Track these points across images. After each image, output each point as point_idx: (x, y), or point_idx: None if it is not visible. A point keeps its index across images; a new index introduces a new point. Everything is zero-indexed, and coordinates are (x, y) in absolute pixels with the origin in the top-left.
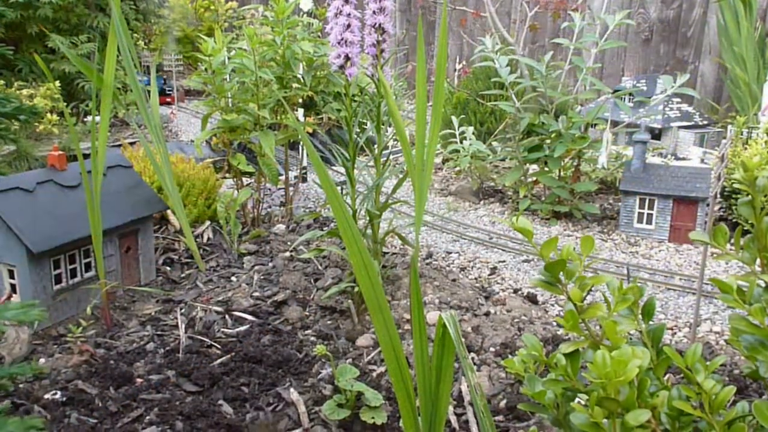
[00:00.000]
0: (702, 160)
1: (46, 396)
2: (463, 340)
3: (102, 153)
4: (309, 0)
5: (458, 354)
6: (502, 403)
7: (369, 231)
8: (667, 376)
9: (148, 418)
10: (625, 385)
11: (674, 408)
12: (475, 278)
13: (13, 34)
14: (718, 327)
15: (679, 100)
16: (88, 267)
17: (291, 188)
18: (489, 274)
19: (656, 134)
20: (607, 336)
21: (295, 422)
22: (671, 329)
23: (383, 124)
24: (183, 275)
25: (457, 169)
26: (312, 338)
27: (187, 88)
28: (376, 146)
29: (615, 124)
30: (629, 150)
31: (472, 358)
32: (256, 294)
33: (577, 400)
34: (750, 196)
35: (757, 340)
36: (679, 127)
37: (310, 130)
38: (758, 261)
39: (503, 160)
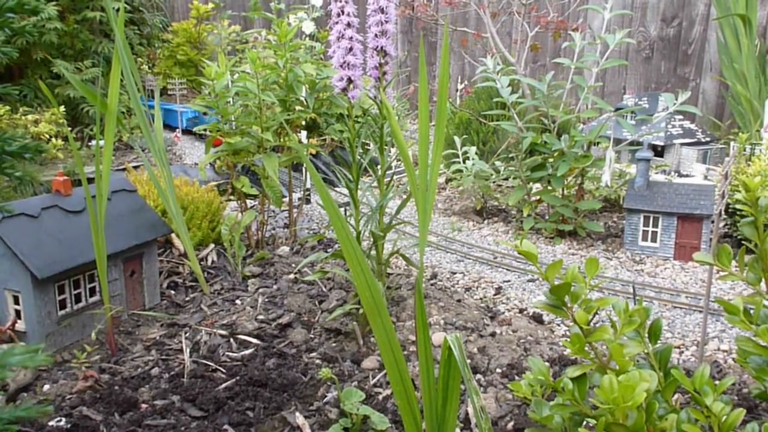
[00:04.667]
0: (705, 177)
1: (51, 423)
2: (468, 361)
3: (106, 177)
4: (311, 23)
5: (463, 377)
6: (510, 425)
7: (373, 252)
8: (676, 395)
9: None
10: (633, 410)
11: (683, 431)
12: (480, 298)
13: (19, 60)
14: (726, 345)
15: (681, 117)
16: (92, 292)
17: (295, 210)
18: (494, 294)
19: (659, 151)
20: (614, 359)
21: None
22: (678, 348)
23: (386, 145)
24: (187, 299)
25: (461, 188)
26: (317, 361)
27: None
28: (379, 167)
29: (618, 142)
30: (632, 168)
31: (479, 380)
32: (261, 317)
33: (585, 423)
34: (752, 216)
35: (766, 362)
36: (682, 144)
37: (314, 152)
38: (763, 281)
39: (506, 179)
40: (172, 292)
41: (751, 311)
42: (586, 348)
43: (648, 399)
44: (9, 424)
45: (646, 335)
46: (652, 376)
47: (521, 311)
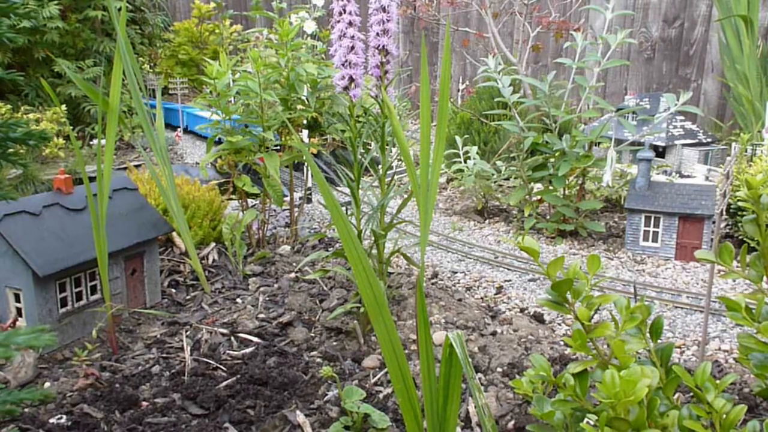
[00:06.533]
0: (706, 178)
1: (52, 420)
2: (469, 360)
3: (108, 176)
4: (313, 23)
5: (466, 374)
6: (510, 424)
7: (374, 251)
8: (677, 395)
9: None
10: (634, 405)
11: (685, 428)
12: (481, 298)
13: (20, 59)
14: (727, 345)
15: (682, 117)
16: (93, 290)
17: (296, 209)
18: (495, 294)
19: (660, 152)
20: (615, 355)
21: None
22: (679, 348)
23: (387, 145)
24: (188, 297)
25: (462, 188)
26: (318, 360)
27: None
28: (380, 166)
29: (619, 142)
30: (633, 168)
31: (480, 379)
32: (262, 315)
33: (586, 420)
34: (755, 214)
35: (767, 358)
36: (683, 145)
37: (315, 151)
38: (765, 278)
39: (507, 179)
40: (173, 290)
41: (753, 308)
42: (588, 345)
43: (649, 395)
44: (12, 405)
45: (648, 333)
46: (654, 372)
47: (522, 311)
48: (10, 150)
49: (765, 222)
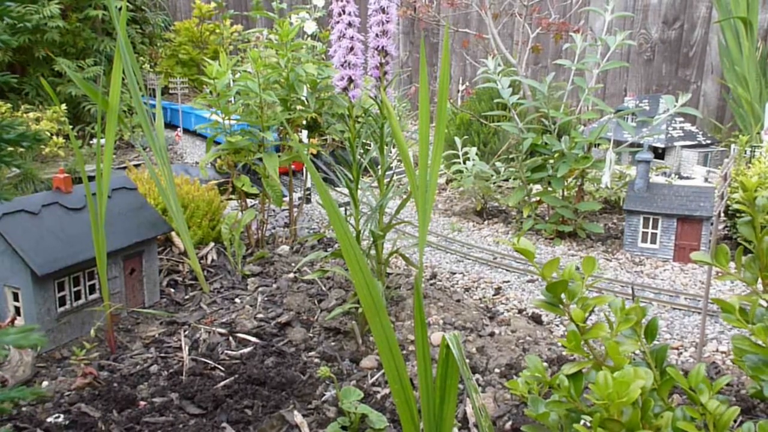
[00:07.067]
0: (706, 179)
1: (49, 419)
2: (467, 361)
3: (107, 175)
4: (313, 23)
5: (462, 375)
6: (508, 425)
7: (373, 252)
8: (674, 396)
9: None
10: (628, 406)
11: (678, 429)
12: (480, 298)
13: (21, 58)
14: (725, 346)
15: (681, 119)
16: (92, 289)
17: (295, 209)
18: (493, 295)
19: (659, 154)
20: (609, 356)
21: None
22: (677, 349)
23: (387, 145)
24: (187, 297)
25: (461, 189)
26: (316, 360)
27: None
28: (379, 167)
29: (618, 143)
30: (632, 169)
31: (477, 380)
32: (260, 315)
33: (582, 422)
34: (750, 216)
35: (761, 360)
36: (683, 147)
37: (314, 152)
38: (760, 280)
39: (507, 180)
40: (172, 290)
41: (748, 310)
42: (583, 347)
43: (644, 396)
44: (4, 404)
45: (643, 334)
46: (648, 373)
47: (520, 312)
48: (9, 149)
49: (760, 224)
